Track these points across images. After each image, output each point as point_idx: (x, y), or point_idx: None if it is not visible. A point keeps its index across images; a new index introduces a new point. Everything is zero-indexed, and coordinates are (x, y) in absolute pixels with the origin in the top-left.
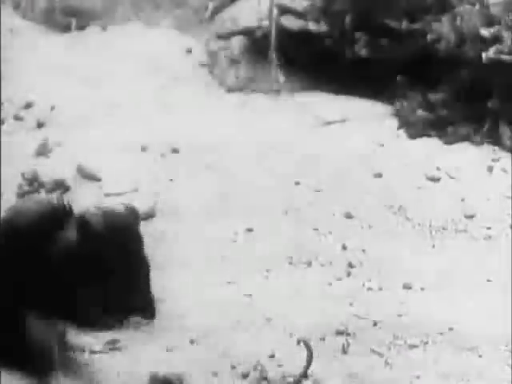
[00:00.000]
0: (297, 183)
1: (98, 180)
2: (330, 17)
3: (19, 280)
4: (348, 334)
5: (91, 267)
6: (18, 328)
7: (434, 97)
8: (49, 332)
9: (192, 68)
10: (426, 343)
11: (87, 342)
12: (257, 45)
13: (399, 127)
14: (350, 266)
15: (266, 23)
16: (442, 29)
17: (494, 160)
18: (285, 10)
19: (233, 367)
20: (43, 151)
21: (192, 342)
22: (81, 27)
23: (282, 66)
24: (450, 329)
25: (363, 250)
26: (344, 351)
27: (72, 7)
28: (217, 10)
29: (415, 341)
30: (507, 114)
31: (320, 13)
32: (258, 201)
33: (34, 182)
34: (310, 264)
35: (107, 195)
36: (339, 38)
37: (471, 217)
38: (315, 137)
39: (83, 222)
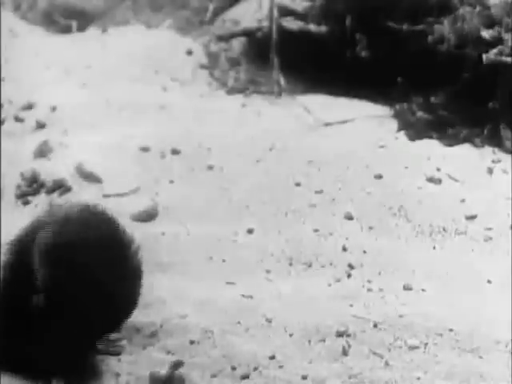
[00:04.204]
0: (297, 184)
1: (98, 181)
2: (330, 18)
3: None
4: (348, 336)
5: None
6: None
7: (435, 98)
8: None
9: (192, 69)
10: (427, 344)
11: None
12: (257, 46)
13: (399, 129)
14: (351, 267)
15: (266, 24)
16: (443, 30)
17: (494, 161)
18: (285, 11)
19: (233, 368)
20: (43, 152)
21: (192, 342)
22: (81, 29)
23: (282, 68)
24: (451, 330)
25: (363, 251)
26: (344, 352)
27: (72, 9)
28: (217, 12)
29: (415, 342)
30: (508, 116)
31: (320, 14)
32: (258, 202)
33: (33, 183)
34: (310, 265)
35: (107, 196)
36: (340, 40)
37: (472, 218)
38: (315, 138)
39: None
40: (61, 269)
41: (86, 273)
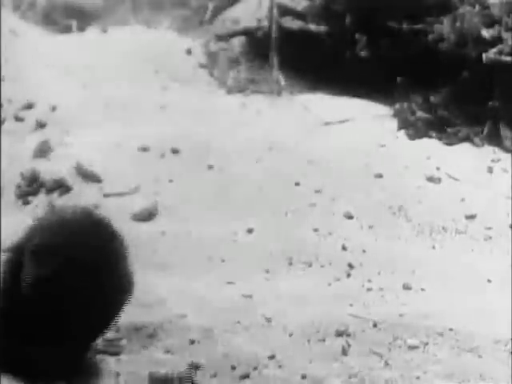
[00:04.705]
0: (297, 183)
1: (98, 180)
2: (330, 17)
3: None
4: (348, 335)
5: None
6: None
7: (435, 98)
8: None
9: (192, 69)
10: (426, 344)
11: None
12: (257, 45)
13: (399, 128)
14: (350, 266)
15: (266, 24)
16: (443, 30)
17: (493, 161)
18: (285, 11)
19: (233, 368)
20: (43, 152)
21: (192, 342)
22: (81, 29)
23: (282, 67)
24: (450, 329)
25: (363, 251)
26: (344, 352)
27: (72, 9)
28: (217, 11)
29: (415, 341)
30: (507, 115)
31: (320, 13)
32: (258, 201)
33: (33, 183)
34: (310, 264)
35: (107, 195)
36: (339, 39)
37: (471, 217)
38: (315, 137)
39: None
40: (50, 271)
41: (78, 274)
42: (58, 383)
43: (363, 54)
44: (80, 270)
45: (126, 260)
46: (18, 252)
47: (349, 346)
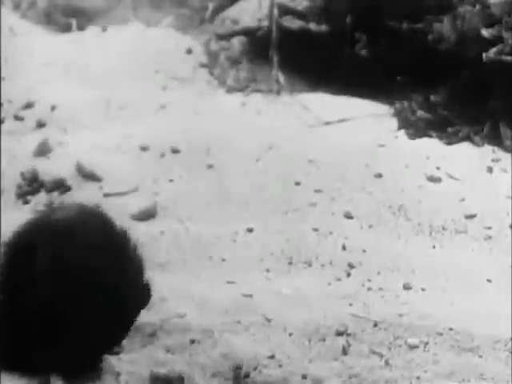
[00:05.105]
0: (297, 183)
1: (98, 180)
2: (330, 17)
3: None
4: (348, 335)
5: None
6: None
7: (435, 97)
8: None
9: (192, 68)
10: (427, 343)
11: None
12: (257, 45)
13: (399, 127)
14: (350, 266)
15: (266, 23)
16: (443, 29)
17: (493, 160)
18: (285, 10)
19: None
20: (43, 151)
21: (192, 341)
22: (81, 28)
23: (282, 66)
24: (450, 329)
25: (363, 250)
26: (344, 352)
27: (72, 8)
28: (217, 11)
29: (415, 341)
30: (508, 115)
31: (320, 13)
32: (258, 201)
33: (33, 182)
34: (309, 264)
35: (107, 195)
36: (339, 38)
37: (471, 217)
38: (315, 137)
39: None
40: (61, 271)
41: (87, 275)
42: (57, 383)
43: (363, 53)
44: (89, 272)
45: (139, 263)
46: (19, 249)
47: (349, 345)
